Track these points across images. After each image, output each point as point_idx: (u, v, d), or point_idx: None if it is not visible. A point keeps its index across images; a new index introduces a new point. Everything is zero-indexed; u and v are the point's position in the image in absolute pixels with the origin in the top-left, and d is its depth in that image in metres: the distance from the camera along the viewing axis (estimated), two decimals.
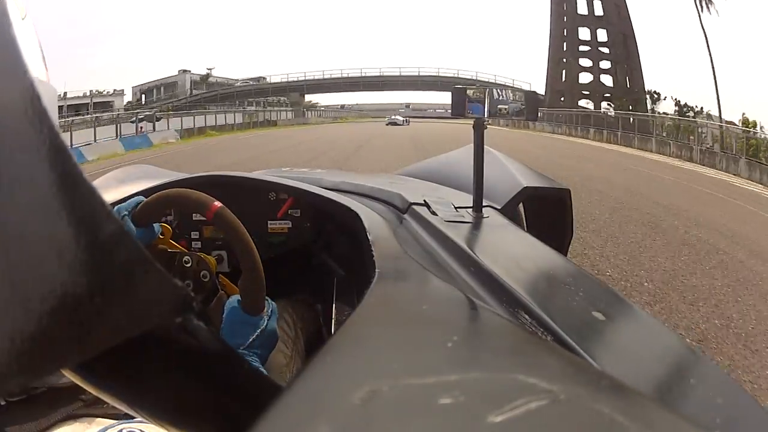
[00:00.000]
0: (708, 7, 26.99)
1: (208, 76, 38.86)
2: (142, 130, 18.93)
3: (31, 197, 0.13)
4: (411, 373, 0.20)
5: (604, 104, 29.56)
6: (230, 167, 6.81)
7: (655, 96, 29.09)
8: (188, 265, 0.71)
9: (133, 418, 0.54)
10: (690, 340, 2.53)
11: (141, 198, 0.64)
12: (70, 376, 0.21)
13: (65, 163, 0.14)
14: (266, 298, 0.62)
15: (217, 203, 0.62)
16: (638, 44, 30.43)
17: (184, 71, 38.20)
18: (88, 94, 30.97)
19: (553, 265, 0.71)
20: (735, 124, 17.27)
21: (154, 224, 0.68)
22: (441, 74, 37.75)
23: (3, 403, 0.43)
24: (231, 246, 0.63)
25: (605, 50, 30.47)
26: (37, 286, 0.13)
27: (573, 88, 30.41)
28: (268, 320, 0.59)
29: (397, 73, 39.18)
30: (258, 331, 0.57)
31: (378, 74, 39.49)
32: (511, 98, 0.92)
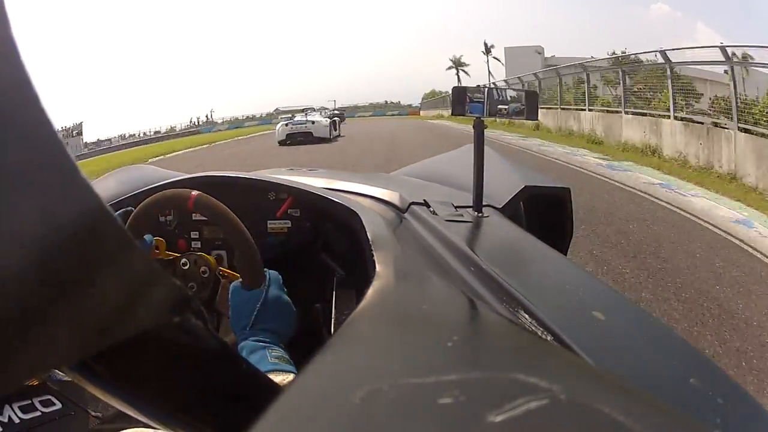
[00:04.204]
0: None
1: None
2: None
3: (28, 196, 0.13)
4: (411, 373, 0.20)
5: None
6: None
7: None
8: (186, 267, 0.71)
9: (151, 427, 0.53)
10: None
11: (129, 209, 0.64)
12: (69, 375, 0.21)
13: (63, 162, 0.14)
14: (265, 270, 0.61)
15: (195, 192, 0.62)
16: None
17: None
18: None
19: (553, 265, 0.71)
20: None
21: (145, 237, 0.69)
22: None
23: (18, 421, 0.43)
24: (217, 226, 0.64)
25: None
26: (35, 284, 0.13)
27: None
28: (267, 290, 0.58)
29: None
30: (259, 303, 0.56)
31: None
32: (511, 98, 0.91)
